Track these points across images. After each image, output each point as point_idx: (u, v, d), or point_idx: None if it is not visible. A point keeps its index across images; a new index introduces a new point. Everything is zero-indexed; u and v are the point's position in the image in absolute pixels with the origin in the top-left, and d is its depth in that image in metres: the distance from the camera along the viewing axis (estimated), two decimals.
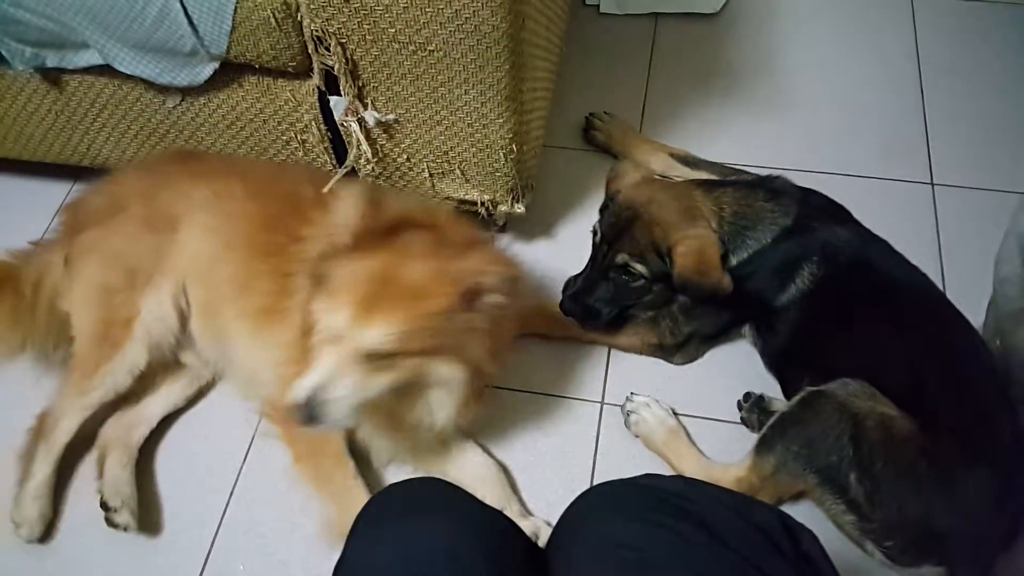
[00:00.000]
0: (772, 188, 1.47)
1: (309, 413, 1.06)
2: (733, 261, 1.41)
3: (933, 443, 1.19)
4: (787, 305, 1.42)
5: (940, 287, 1.61)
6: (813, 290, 1.39)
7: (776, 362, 1.49)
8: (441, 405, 1.23)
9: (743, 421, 1.48)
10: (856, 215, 1.71)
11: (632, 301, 1.49)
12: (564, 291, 1.52)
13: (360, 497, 1.33)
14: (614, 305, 1.48)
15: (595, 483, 1.21)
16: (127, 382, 1.44)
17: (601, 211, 1.50)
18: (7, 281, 1.48)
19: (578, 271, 1.52)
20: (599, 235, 1.46)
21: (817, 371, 1.33)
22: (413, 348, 1.09)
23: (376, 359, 1.08)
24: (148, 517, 1.45)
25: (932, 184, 1.77)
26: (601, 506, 0.86)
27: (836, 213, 1.48)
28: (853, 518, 1.25)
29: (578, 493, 0.95)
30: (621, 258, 1.41)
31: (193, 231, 1.41)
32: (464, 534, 0.82)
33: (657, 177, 1.54)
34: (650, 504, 0.80)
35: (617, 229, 1.42)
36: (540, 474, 1.45)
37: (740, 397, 1.50)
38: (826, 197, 1.50)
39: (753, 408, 1.47)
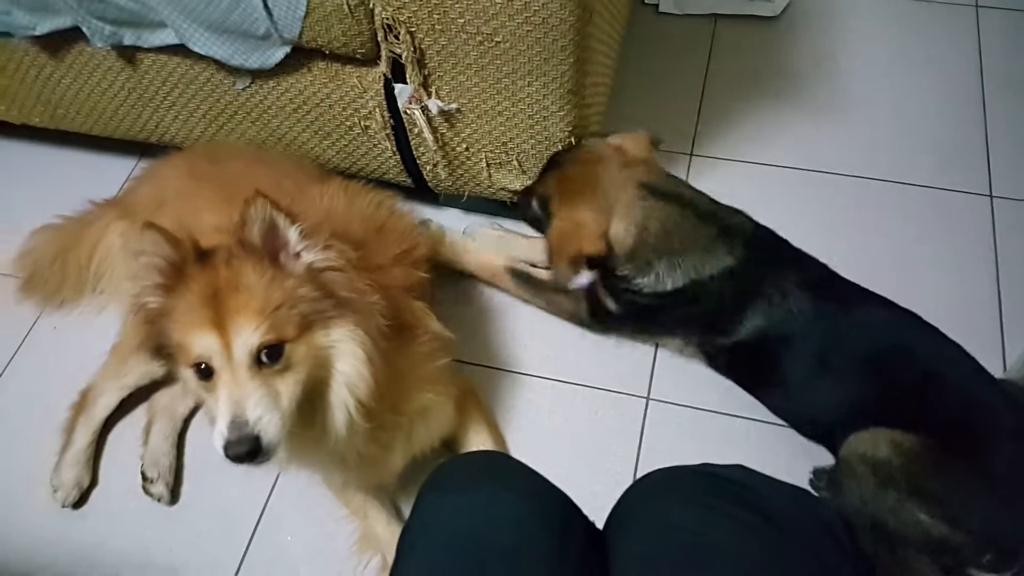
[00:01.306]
0: (724, 224, 1.41)
1: (248, 447, 0.94)
2: (668, 285, 1.39)
3: (943, 445, 1.18)
4: (742, 345, 1.40)
5: (996, 302, 1.60)
6: (766, 333, 1.37)
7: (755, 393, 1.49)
8: (351, 379, 1.05)
9: None
10: (911, 224, 1.72)
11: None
12: None
13: (378, 521, 1.37)
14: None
15: (638, 477, 1.22)
16: (160, 370, 1.48)
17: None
18: (75, 242, 1.60)
19: None
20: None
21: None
22: (289, 330, 0.99)
23: (268, 366, 0.98)
24: (200, 485, 1.50)
25: (991, 196, 1.75)
26: (661, 490, 0.87)
27: (786, 255, 1.44)
28: (951, 556, 1.19)
29: (620, 486, 0.97)
30: (535, 185, 1.51)
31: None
32: (528, 506, 0.83)
33: (641, 159, 1.46)
34: (710, 490, 0.81)
35: (551, 160, 1.49)
36: (582, 465, 1.47)
37: (811, 475, 1.42)
38: (776, 239, 1.45)
39: (830, 485, 1.35)
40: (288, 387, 0.99)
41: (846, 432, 1.26)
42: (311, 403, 1.05)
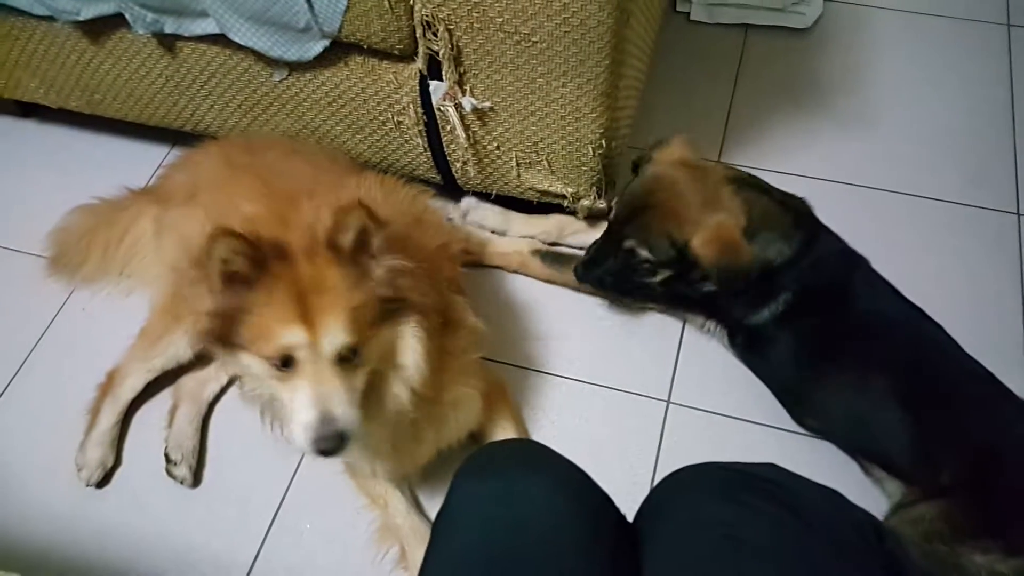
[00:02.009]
0: (796, 209, 1.48)
1: (335, 444, 1.02)
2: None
3: (968, 495, 1.20)
4: (762, 326, 1.45)
5: (1020, 317, 1.60)
6: (791, 319, 1.42)
7: (767, 382, 1.53)
8: (411, 372, 1.11)
9: None
10: (937, 239, 1.72)
11: (638, 279, 1.50)
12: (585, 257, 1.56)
13: (397, 511, 1.38)
14: (621, 280, 1.51)
15: (665, 475, 1.23)
16: (187, 354, 1.52)
17: (633, 169, 1.52)
18: (107, 222, 1.64)
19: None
20: (613, 212, 1.48)
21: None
22: (367, 330, 1.05)
23: (347, 362, 1.04)
24: (222, 469, 1.51)
25: (1018, 214, 1.75)
26: (693, 484, 0.88)
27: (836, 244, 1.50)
28: None
29: (639, 487, 0.98)
30: (628, 243, 1.44)
31: None
32: (564, 493, 0.84)
33: (695, 163, 1.48)
34: (741, 486, 0.82)
35: (632, 210, 1.44)
36: (600, 466, 1.45)
37: None
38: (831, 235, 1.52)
39: None
40: (360, 381, 1.05)
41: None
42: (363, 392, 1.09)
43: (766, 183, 1.52)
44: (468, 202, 1.76)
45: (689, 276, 1.44)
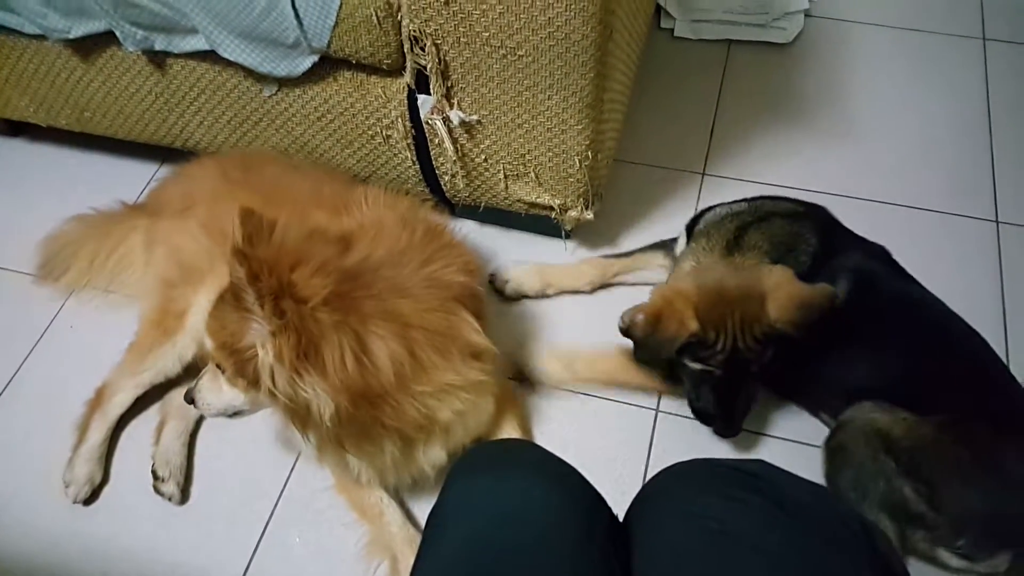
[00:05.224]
0: (785, 213, 1.50)
1: (188, 397, 1.26)
2: None
3: (962, 432, 1.24)
4: None
5: (1001, 323, 1.62)
6: None
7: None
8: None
9: None
10: (918, 248, 1.73)
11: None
12: (708, 422, 1.45)
13: (393, 520, 1.38)
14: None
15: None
16: (176, 368, 1.52)
17: (682, 350, 1.34)
18: (98, 233, 1.66)
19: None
20: (715, 371, 1.35)
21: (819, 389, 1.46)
22: (230, 362, 1.10)
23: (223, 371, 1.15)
24: (210, 485, 1.51)
25: (997, 222, 1.79)
26: (682, 480, 0.89)
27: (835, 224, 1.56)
28: (922, 533, 1.26)
29: (627, 496, 0.98)
30: (757, 367, 1.34)
31: None
32: (557, 489, 0.85)
33: (683, 285, 1.37)
34: (730, 481, 0.82)
35: (734, 354, 1.32)
36: (589, 476, 1.44)
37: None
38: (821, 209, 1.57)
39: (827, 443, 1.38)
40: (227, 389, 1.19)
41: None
42: None
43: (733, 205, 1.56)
44: (503, 270, 1.69)
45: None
